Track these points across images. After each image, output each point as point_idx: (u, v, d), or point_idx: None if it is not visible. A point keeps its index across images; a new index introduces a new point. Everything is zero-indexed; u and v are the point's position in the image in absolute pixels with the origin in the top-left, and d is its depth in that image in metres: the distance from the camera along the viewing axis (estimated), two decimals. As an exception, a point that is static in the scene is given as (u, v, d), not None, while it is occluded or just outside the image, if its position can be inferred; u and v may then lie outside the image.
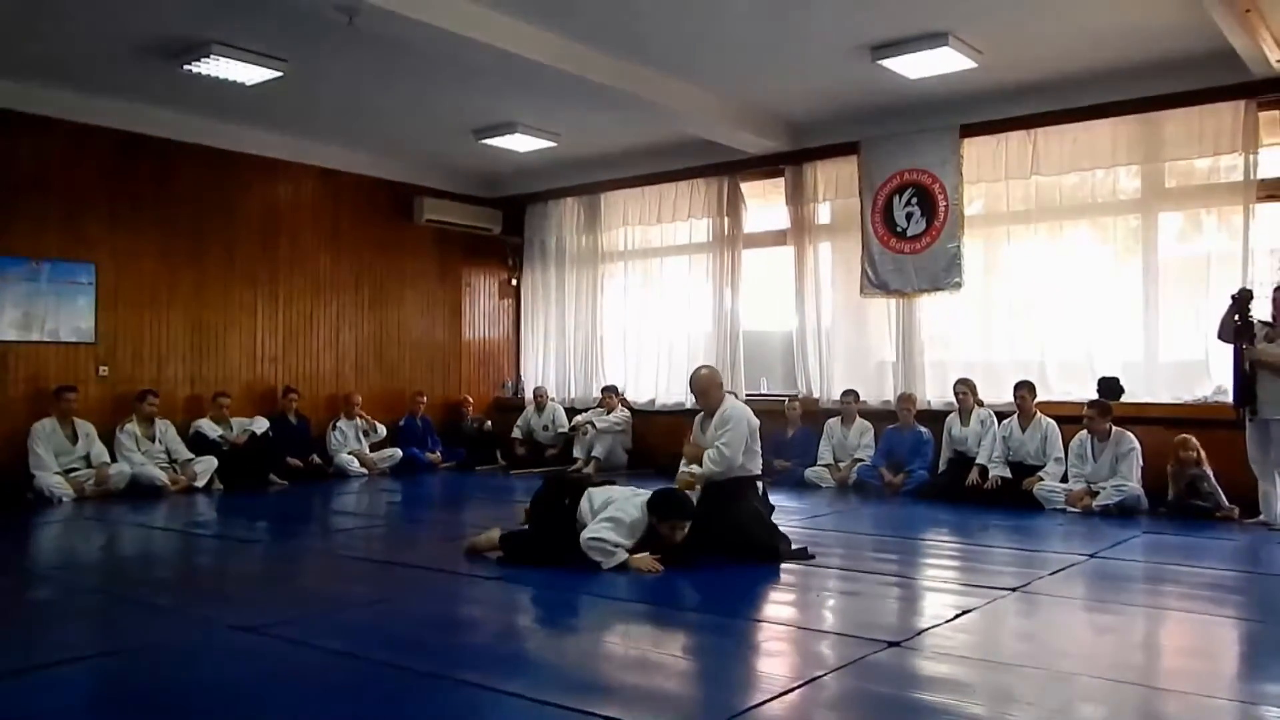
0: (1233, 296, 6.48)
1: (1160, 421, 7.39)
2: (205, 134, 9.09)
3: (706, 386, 5.58)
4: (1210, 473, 6.83)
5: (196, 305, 9.17)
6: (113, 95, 8.32)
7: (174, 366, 9.00)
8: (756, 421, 5.53)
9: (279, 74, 7.56)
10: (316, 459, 9.44)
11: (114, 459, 8.10)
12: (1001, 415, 7.98)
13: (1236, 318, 6.39)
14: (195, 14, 6.62)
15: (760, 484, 5.55)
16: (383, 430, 10.06)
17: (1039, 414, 7.69)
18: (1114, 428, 7.19)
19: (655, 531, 4.98)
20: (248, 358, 9.57)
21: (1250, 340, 6.34)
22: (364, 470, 9.72)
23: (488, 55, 6.76)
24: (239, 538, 6.52)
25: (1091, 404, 7.31)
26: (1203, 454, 6.86)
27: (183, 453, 8.51)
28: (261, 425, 9.09)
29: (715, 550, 5.10)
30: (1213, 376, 7.41)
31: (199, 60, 7.26)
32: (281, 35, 6.97)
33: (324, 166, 10.13)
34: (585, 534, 4.96)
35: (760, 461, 5.57)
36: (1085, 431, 7.30)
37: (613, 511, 5.01)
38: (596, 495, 5.18)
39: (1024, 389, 7.73)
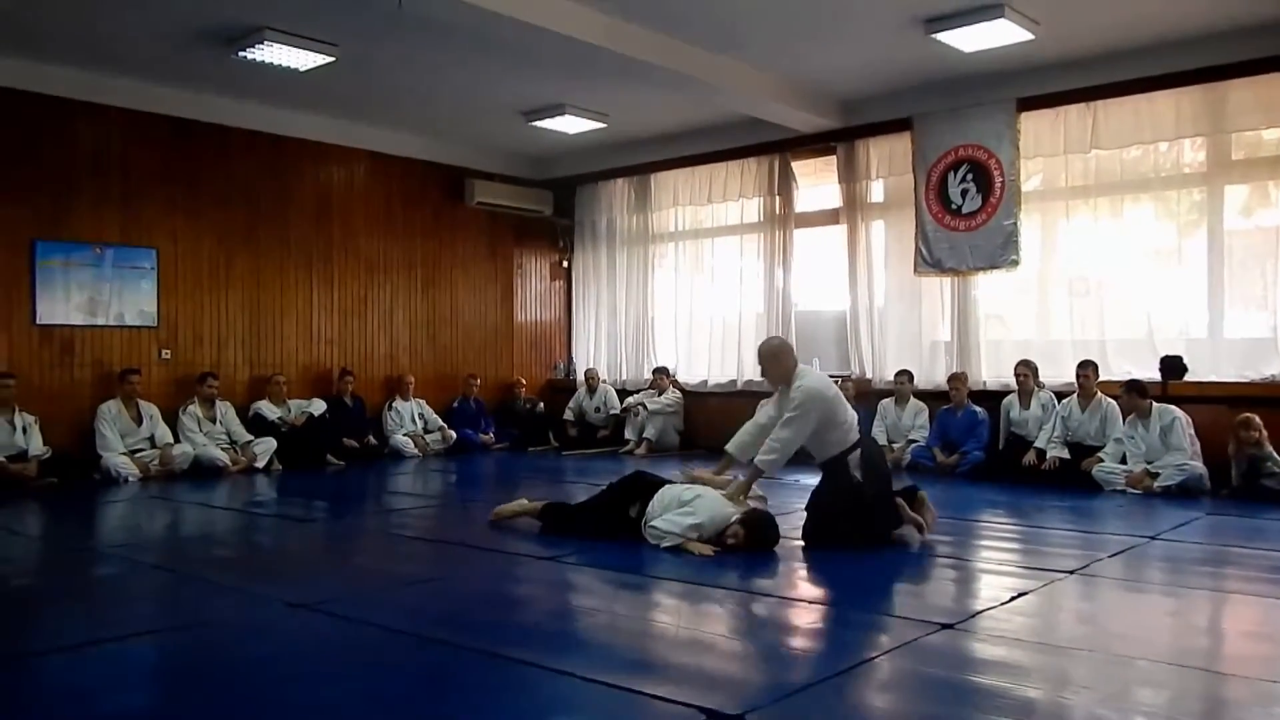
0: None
1: (1225, 400, 7.20)
2: (260, 119, 9.24)
3: (769, 357, 5.30)
4: (1273, 452, 6.64)
5: (254, 289, 9.34)
6: (170, 82, 8.48)
7: (233, 349, 9.19)
8: (830, 393, 5.13)
9: (331, 59, 7.65)
10: (372, 440, 9.59)
11: (177, 440, 8.31)
12: (1060, 395, 7.84)
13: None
14: (248, 1, 6.70)
15: (852, 456, 5.07)
16: (438, 421, 10.19)
17: (1100, 394, 7.54)
18: (1154, 403, 7.05)
19: (726, 535, 4.88)
20: (304, 340, 9.73)
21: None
22: (418, 451, 9.84)
23: (536, 36, 6.76)
24: (297, 517, 6.64)
25: (1125, 386, 7.18)
26: (1264, 433, 6.67)
27: (242, 434, 8.69)
28: (319, 407, 9.25)
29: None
30: (1282, 354, 7.20)
31: (252, 47, 7.37)
32: (333, 20, 7.04)
33: (376, 150, 10.23)
34: (657, 521, 4.94)
35: (852, 434, 5.11)
36: (1131, 414, 7.18)
37: (699, 511, 4.90)
38: (679, 491, 5.08)
39: (1087, 368, 7.57)
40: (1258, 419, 6.70)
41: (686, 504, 4.99)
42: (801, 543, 5.07)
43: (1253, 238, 7.67)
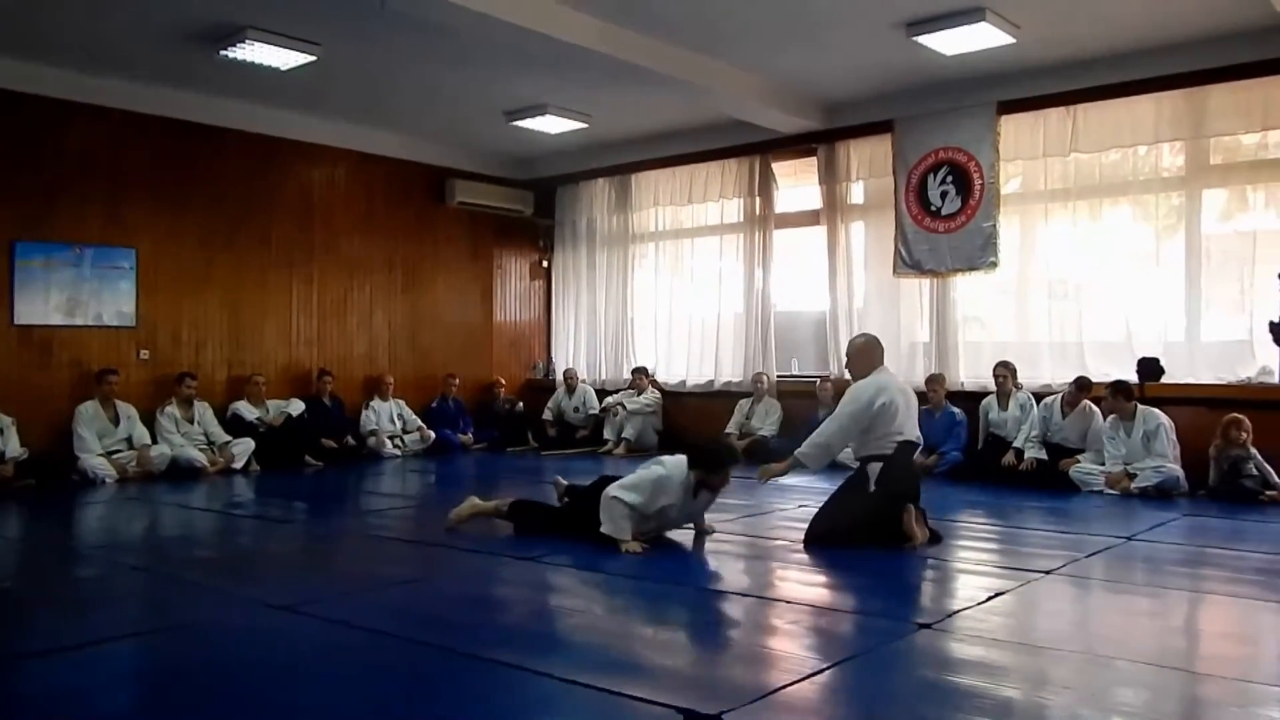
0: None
1: (1202, 402, 7.27)
2: (242, 119, 9.18)
3: (855, 353, 5.35)
4: (1257, 454, 6.71)
5: (234, 289, 9.28)
6: (153, 82, 8.42)
7: (212, 349, 9.13)
8: (884, 400, 5.02)
9: (313, 58, 7.61)
10: (351, 440, 9.54)
11: (154, 441, 8.24)
12: (1039, 396, 7.90)
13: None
14: (229, -1, 6.68)
15: (873, 465, 5.05)
16: (417, 421, 10.15)
17: (1085, 401, 7.56)
18: (1139, 406, 7.09)
19: (704, 486, 4.97)
20: (283, 340, 9.68)
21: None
22: (397, 451, 9.81)
23: (519, 36, 6.75)
24: (276, 518, 6.60)
25: (1111, 388, 7.20)
26: (1250, 435, 6.73)
27: (220, 435, 8.63)
28: (297, 407, 9.20)
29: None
30: (1257, 357, 7.27)
31: (235, 45, 7.33)
32: (315, 19, 7.00)
33: (357, 150, 10.18)
34: (605, 493, 4.93)
35: (885, 445, 5.05)
36: (1114, 415, 7.21)
37: (637, 474, 4.96)
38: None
39: (1080, 388, 7.54)
40: (1247, 420, 6.76)
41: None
42: (796, 540, 5.09)
43: (1230, 241, 7.74)
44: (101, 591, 4.38)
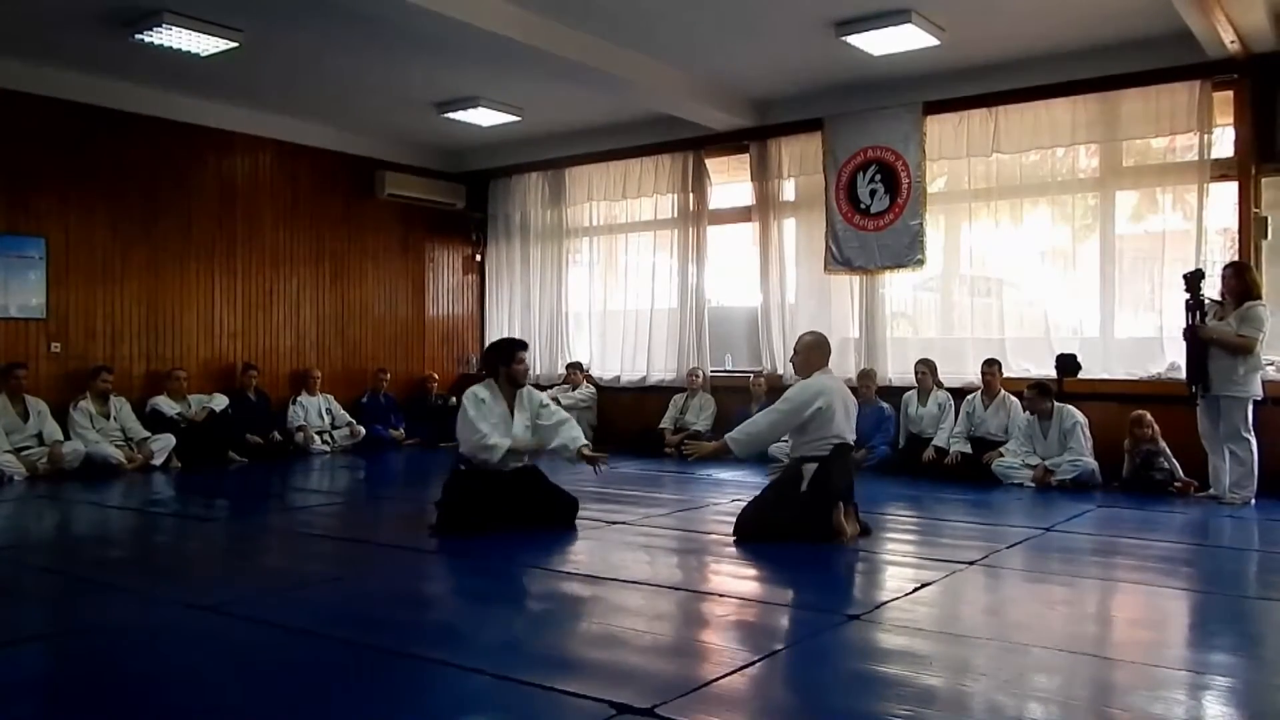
0: (1184, 277, 6.57)
1: (1116, 398, 7.51)
2: (160, 105, 8.91)
3: (802, 349, 5.41)
4: (1165, 447, 6.96)
5: (152, 280, 9.01)
6: (63, 65, 8.11)
7: (129, 342, 8.85)
8: (821, 404, 5.04)
9: (234, 44, 7.41)
10: (277, 436, 9.35)
11: (67, 437, 7.96)
12: (964, 392, 8.07)
13: (1189, 297, 6.49)
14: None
15: (808, 467, 5.06)
16: (346, 416, 9.99)
17: (1003, 391, 7.77)
18: (1055, 404, 7.31)
19: (510, 383, 5.46)
20: (205, 334, 9.43)
21: (1202, 319, 6.44)
22: (325, 447, 9.64)
23: (450, 27, 6.67)
24: (197, 516, 6.44)
25: (1031, 386, 7.41)
26: (1157, 429, 6.98)
27: (139, 430, 8.37)
28: (220, 402, 8.97)
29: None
30: (1167, 353, 7.53)
31: (151, 29, 7.10)
32: (236, 4, 6.82)
33: (282, 140, 9.95)
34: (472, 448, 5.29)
35: (822, 448, 5.06)
36: (1030, 412, 7.41)
37: (465, 405, 5.37)
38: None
39: (992, 366, 7.78)
40: (1149, 416, 7.00)
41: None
42: (728, 534, 5.12)
43: (1141, 242, 8.02)
44: (7, 593, 4.21)
